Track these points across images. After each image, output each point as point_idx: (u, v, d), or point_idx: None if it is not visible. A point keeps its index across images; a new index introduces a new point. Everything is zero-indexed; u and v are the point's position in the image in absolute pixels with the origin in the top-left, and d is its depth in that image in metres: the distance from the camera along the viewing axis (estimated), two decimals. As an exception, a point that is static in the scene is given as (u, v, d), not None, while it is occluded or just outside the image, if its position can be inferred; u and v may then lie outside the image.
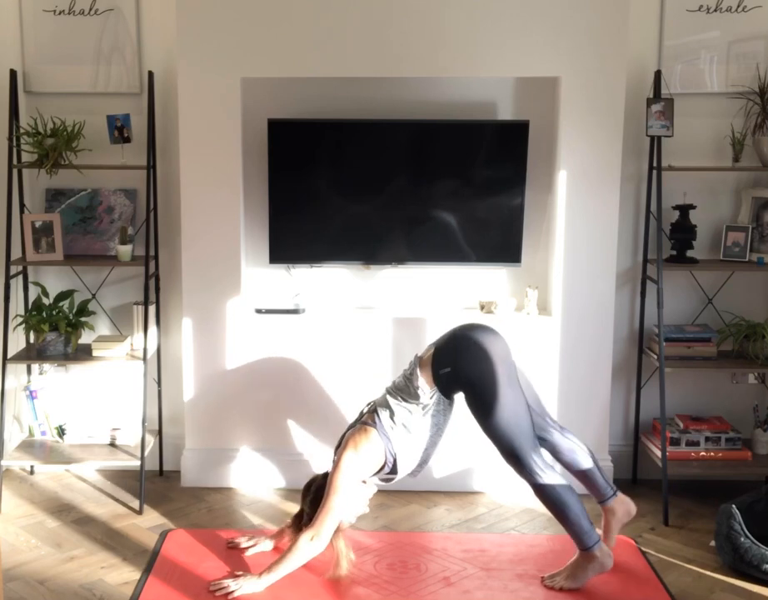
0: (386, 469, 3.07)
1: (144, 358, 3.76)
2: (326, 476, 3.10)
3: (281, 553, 3.02)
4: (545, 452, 3.07)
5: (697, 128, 3.89)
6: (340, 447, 3.06)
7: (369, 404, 3.16)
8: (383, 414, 3.05)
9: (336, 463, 3.00)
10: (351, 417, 3.27)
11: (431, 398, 3.05)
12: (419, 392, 3.03)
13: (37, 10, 3.88)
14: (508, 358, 3.05)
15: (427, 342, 3.22)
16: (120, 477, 4.02)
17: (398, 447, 3.04)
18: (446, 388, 3.06)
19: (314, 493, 3.07)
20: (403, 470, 3.10)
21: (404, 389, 3.07)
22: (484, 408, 2.98)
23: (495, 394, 2.95)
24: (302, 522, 3.07)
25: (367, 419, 3.06)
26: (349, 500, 3.01)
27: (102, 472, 4.08)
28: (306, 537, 2.93)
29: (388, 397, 3.08)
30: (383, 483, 3.17)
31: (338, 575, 3.03)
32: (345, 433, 3.11)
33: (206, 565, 3.15)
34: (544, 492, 2.98)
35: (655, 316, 3.78)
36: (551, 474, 2.97)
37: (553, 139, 3.84)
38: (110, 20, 3.89)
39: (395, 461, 3.05)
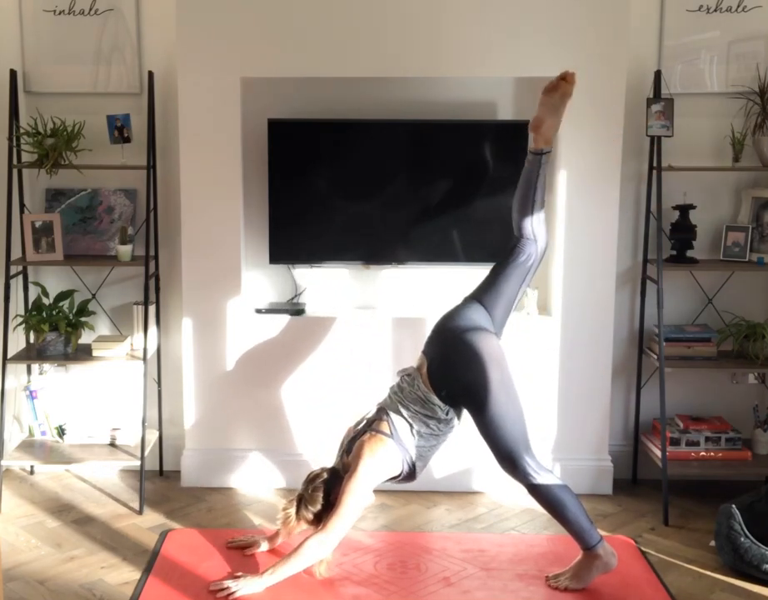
0: (401, 477, 3.09)
1: (144, 358, 3.76)
2: (333, 471, 3.08)
3: (282, 555, 3.02)
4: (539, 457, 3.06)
5: (697, 128, 3.89)
6: (353, 454, 3.03)
7: (378, 408, 3.14)
8: (400, 425, 3.03)
9: (352, 470, 2.97)
10: (351, 417, 3.26)
11: (447, 415, 3.07)
12: (436, 408, 3.04)
13: (37, 10, 3.88)
14: (500, 358, 3.02)
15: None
16: (120, 477, 4.02)
17: (415, 455, 3.05)
18: (452, 404, 3.07)
19: (317, 487, 3.02)
20: (418, 474, 3.11)
21: (417, 402, 3.05)
22: (478, 412, 2.99)
23: (488, 399, 2.95)
24: (299, 509, 3.02)
25: (381, 427, 3.03)
26: (362, 507, 3.01)
27: (102, 471, 4.08)
28: (315, 540, 2.92)
29: (401, 408, 3.05)
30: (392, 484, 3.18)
31: (321, 573, 3.02)
32: (354, 437, 3.09)
33: (206, 565, 3.15)
34: (539, 493, 2.98)
35: (655, 316, 3.78)
36: (546, 475, 2.97)
37: (553, 139, 3.83)
38: (110, 20, 3.89)
39: (413, 469, 3.06)
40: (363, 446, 3.00)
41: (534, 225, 3.04)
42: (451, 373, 3.04)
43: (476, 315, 3.08)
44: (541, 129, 3.01)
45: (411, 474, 3.09)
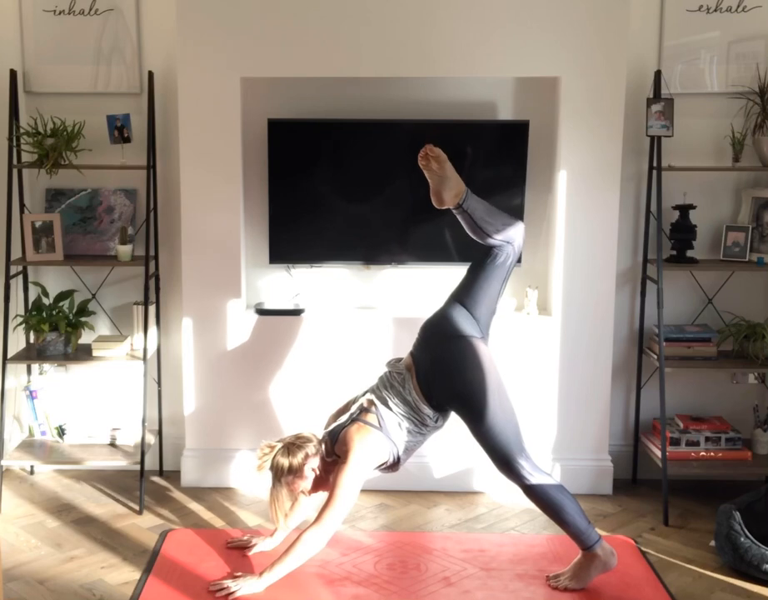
0: (385, 466, 3.09)
1: (144, 358, 3.76)
2: (320, 445, 3.08)
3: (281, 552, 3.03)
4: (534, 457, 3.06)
5: (697, 128, 3.89)
6: (340, 442, 3.03)
7: (365, 394, 3.12)
8: (388, 418, 3.03)
9: (343, 462, 2.97)
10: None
11: (436, 422, 3.09)
12: (425, 417, 3.05)
13: (37, 10, 3.88)
14: (488, 364, 3.00)
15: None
16: (120, 477, 4.02)
17: (402, 449, 3.06)
18: (443, 412, 3.09)
19: (302, 446, 3.02)
20: (401, 465, 3.12)
21: (407, 404, 3.04)
22: (470, 420, 3.01)
23: (479, 407, 2.96)
24: (278, 454, 3.01)
25: (369, 418, 3.03)
26: (355, 497, 3.01)
27: (102, 472, 4.08)
28: (310, 534, 2.92)
29: (391, 404, 3.04)
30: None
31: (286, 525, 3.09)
32: (344, 423, 3.07)
33: (206, 565, 3.15)
34: (535, 493, 2.98)
35: (655, 316, 3.78)
36: (541, 476, 2.98)
37: (553, 139, 3.84)
38: (110, 20, 3.89)
39: (397, 460, 3.07)
40: (352, 436, 3.00)
41: (501, 237, 3.01)
42: (440, 384, 3.04)
43: (461, 320, 3.05)
44: (444, 199, 3.03)
45: (394, 464, 3.09)
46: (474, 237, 3.06)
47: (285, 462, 3.00)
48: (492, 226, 3.01)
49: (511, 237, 3.03)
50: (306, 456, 3.01)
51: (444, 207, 3.05)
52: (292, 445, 3.04)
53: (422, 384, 3.05)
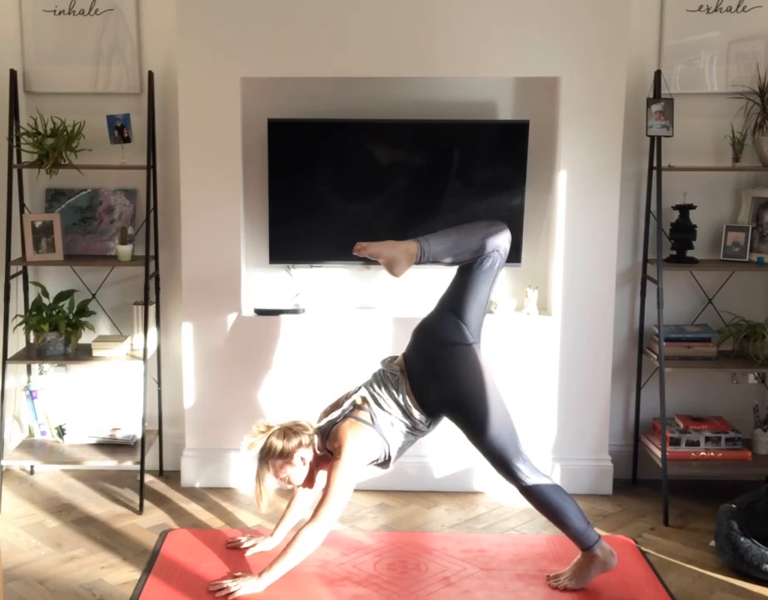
0: (376, 463, 3.09)
1: (144, 358, 3.76)
2: (315, 436, 3.08)
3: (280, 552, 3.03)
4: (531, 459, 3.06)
5: (697, 128, 3.89)
6: (332, 438, 3.02)
7: (359, 390, 3.12)
8: (381, 417, 3.03)
9: (337, 458, 2.96)
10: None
11: (428, 427, 3.10)
12: (417, 422, 3.06)
13: (37, 10, 3.88)
14: (479, 370, 3.01)
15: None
16: (120, 477, 4.02)
17: (393, 448, 3.07)
18: (435, 417, 3.10)
19: (299, 432, 3.03)
20: (392, 464, 3.12)
21: (399, 407, 3.05)
22: (468, 426, 3.02)
23: (477, 411, 2.96)
24: (273, 435, 3.01)
25: (362, 416, 3.03)
26: (350, 493, 3.01)
27: (102, 472, 4.08)
28: (307, 531, 2.92)
29: (384, 405, 3.04)
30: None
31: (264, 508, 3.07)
32: (336, 419, 3.06)
33: (206, 565, 3.15)
34: (533, 495, 2.98)
35: (655, 316, 3.78)
36: (538, 477, 2.98)
37: (553, 139, 3.84)
38: (110, 20, 3.89)
39: (388, 458, 3.07)
40: (345, 432, 2.99)
41: (484, 252, 3.00)
42: (433, 391, 3.04)
43: (451, 327, 3.05)
44: (397, 272, 3.03)
45: (385, 463, 3.09)
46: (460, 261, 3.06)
47: (278, 444, 3.00)
48: (467, 252, 3.00)
49: (496, 245, 3.01)
50: (300, 444, 3.02)
51: (402, 275, 3.04)
52: (289, 430, 3.04)
53: (415, 389, 3.05)
